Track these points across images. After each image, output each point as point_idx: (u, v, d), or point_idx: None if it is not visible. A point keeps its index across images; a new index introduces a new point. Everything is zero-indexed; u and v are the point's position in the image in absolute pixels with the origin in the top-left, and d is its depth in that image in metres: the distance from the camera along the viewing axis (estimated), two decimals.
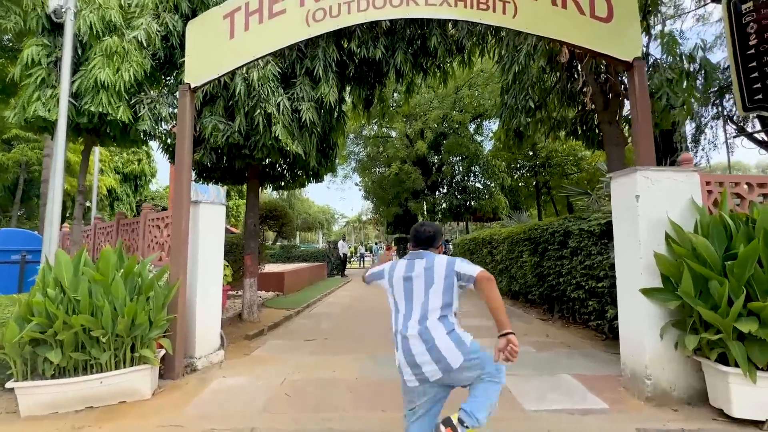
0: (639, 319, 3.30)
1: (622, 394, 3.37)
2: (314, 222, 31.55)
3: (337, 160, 7.39)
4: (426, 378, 1.93)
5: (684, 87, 5.17)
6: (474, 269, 1.95)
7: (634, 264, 3.37)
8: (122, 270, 3.51)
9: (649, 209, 3.32)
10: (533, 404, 3.20)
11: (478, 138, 20.40)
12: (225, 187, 11.70)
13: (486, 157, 19.56)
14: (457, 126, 18.05)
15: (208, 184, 7.19)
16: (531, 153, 22.35)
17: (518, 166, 23.28)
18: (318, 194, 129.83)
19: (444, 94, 17.74)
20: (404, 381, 2.02)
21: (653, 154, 3.82)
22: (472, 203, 19.55)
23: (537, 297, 6.92)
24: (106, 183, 20.92)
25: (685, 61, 5.32)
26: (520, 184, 22.67)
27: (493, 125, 22.78)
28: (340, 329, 6.35)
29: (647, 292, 3.23)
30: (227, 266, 6.08)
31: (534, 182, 22.25)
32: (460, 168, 20.37)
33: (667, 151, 8.15)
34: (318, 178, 7.16)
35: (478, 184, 20.70)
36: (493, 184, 19.54)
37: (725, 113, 9.47)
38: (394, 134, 23.04)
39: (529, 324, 6.33)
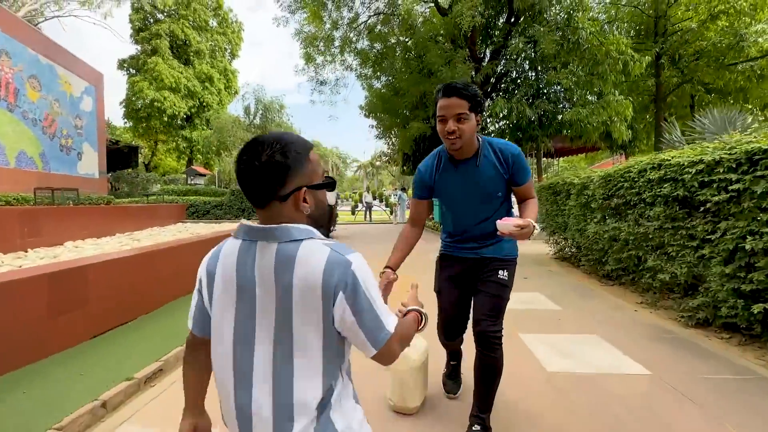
0: None
1: None
2: None
3: None
4: None
5: None
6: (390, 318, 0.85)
7: None
8: None
9: None
10: None
11: None
12: None
13: (586, 28, 10.24)
14: None
15: None
16: (655, 33, 12.87)
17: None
18: (326, 135, 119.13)
19: None
20: None
21: None
22: (560, 116, 10.67)
23: None
24: None
25: None
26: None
27: None
28: None
29: None
30: None
31: (653, 83, 12.94)
32: (533, 53, 11.15)
33: None
34: None
35: (559, 83, 11.60)
36: (599, 82, 10.36)
37: None
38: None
39: None
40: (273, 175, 0.78)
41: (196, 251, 4.74)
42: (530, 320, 3.69)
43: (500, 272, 1.83)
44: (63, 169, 8.32)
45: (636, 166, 3.93)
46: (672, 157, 3.39)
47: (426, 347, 2.20)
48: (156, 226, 7.91)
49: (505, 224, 1.53)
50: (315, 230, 0.85)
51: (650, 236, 3.78)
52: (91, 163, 9.36)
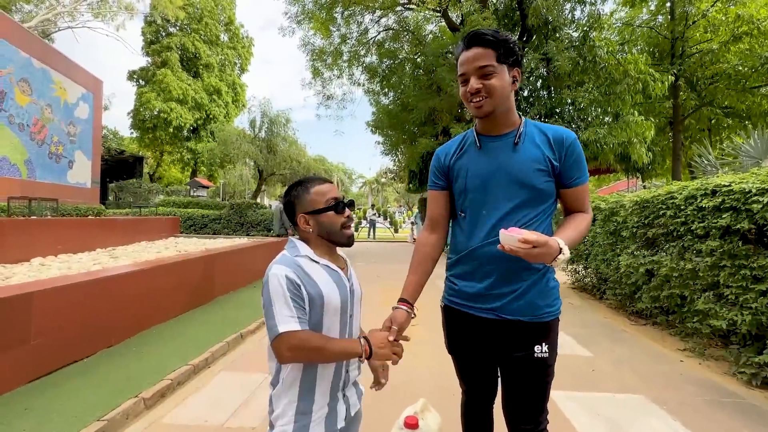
0: None
1: None
2: (307, 174, 22.77)
3: None
4: None
5: None
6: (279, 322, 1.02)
7: None
8: None
9: None
10: None
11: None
12: None
13: (603, 47, 9.89)
14: None
15: None
16: (671, 55, 12.50)
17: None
18: (332, 150, 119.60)
19: None
20: None
21: None
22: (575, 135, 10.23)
23: None
24: None
25: None
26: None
27: None
28: None
29: None
30: None
31: (671, 104, 12.46)
32: (545, 71, 10.83)
33: None
34: None
35: (573, 103, 11.17)
36: (615, 101, 9.94)
37: None
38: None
39: None
40: (288, 211, 1.20)
41: (174, 273, 4.23)
42: (559, 371, 3.08)
43: (537, 348, 1.25)
44: (51, 178, 7.86)
45: (681, 192, 3.40)
46: (732, 182, 2.86)
47: (439, 425, 1.64)
48: (144, 241, 7.42)
49: (509, 236, 1.02)
50: (301, 245, 1.14)
51: (700, 274, 3.22)
52: (83, 172, 8.92)
